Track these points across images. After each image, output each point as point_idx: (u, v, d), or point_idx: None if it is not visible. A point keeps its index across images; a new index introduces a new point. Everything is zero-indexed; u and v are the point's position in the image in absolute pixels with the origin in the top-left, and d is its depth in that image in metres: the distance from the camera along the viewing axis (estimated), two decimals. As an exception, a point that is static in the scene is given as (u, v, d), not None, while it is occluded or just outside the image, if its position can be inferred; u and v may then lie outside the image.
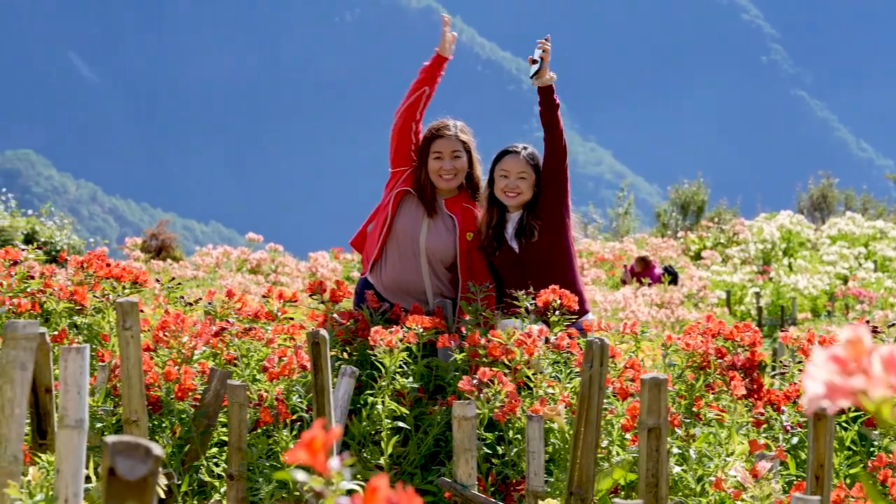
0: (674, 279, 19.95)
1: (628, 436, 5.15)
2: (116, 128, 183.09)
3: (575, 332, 5.71)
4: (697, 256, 25.96)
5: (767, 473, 4.39)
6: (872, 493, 1.97)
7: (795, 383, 5.67)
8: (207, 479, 5.37)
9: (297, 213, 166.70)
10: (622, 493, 5.05)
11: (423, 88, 6.31)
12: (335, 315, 6.05)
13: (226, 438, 5.32)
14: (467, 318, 5.97)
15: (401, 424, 5.44)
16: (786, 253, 25.21)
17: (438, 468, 5.43)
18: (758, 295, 20.13)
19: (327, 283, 6.35)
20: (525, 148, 6.32)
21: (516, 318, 5.80)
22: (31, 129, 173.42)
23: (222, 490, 5.33)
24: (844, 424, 5.51)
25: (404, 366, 5.59)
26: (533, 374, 5.40)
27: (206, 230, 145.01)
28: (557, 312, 5.76)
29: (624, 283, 20.38)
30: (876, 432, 5.47)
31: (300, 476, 1.81)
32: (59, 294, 6.16)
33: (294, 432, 5.33)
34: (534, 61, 6.17)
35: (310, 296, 6.29)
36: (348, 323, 5.99)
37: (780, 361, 6.24)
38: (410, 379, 5.55)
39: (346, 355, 5.96)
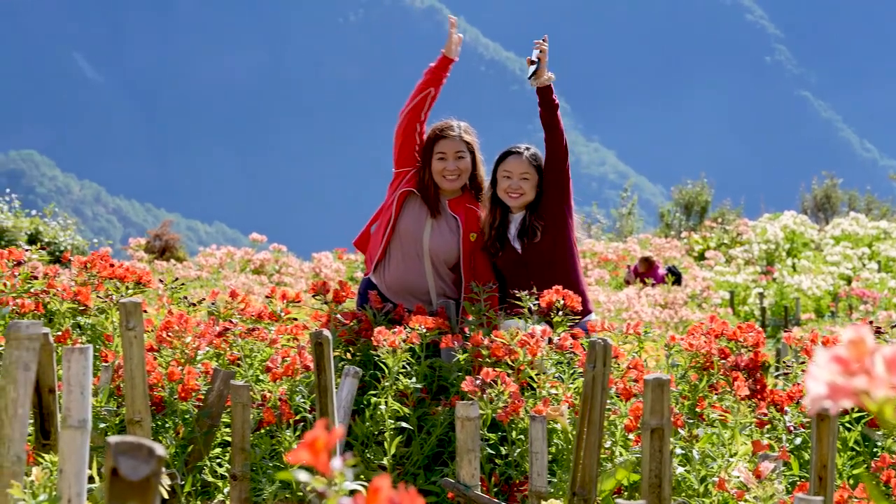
0: (677, 280, 19.94)
1: (631, 436, 5.15)
2: (121, 128, 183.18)
3: (580, 332, 5.71)
4: (701, 257, 25.95)
5: (771, 474, 4.39)
6: (875, 493, 1.97)
7: (799, 384, 5.66)
8: (211, 479, 5.37)
9: (301, 213, 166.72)
10: (625, 493, 5.05)
11: (428, 90, 6.31)
12: (338, 315, 6.05)
13: (229, 439, 5.32)
14: (470, 318, 5.97)
15: (404, 425, 5.44)
16: (789, 253, 25.20)
17: (441, 469, 5.43)
18: (761, 295, 20.12)
19: (331, 284, 6.35)
20: (528, 148, 6.32)
21: (519, 318, 5.80)
22: (35, 129, 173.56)
23: (226, 490, 5.33)
24: (848, 425, 5.50)
25: (407, 366, 5.59)
26: (536, 375, 5.40)
27: (210, 231, 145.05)
28: (560, 313, 5.76)
29: (627, 283, 20.38)
30: (879, 433, 5.46)
31: (303, 476, 1.81)
32: (63, 294, 6.16)
33: (297, 433, 5.33)
34: (532, 62, 6.18)
35: (313, 296, 6.29)
36: (351, 323, 5.99)
37: (784, 362, 6.24)
38: (414, 379, 5.55)
39: (349, 356, 5.96)
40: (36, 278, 6.31)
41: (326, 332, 4.71)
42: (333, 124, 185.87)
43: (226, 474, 5.35)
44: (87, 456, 3.50)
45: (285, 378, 5.48)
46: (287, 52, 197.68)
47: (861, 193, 35.86)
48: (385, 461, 5.37)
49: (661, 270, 20.32)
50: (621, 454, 5.13)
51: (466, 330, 5.85)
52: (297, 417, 5.41)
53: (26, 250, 6.78)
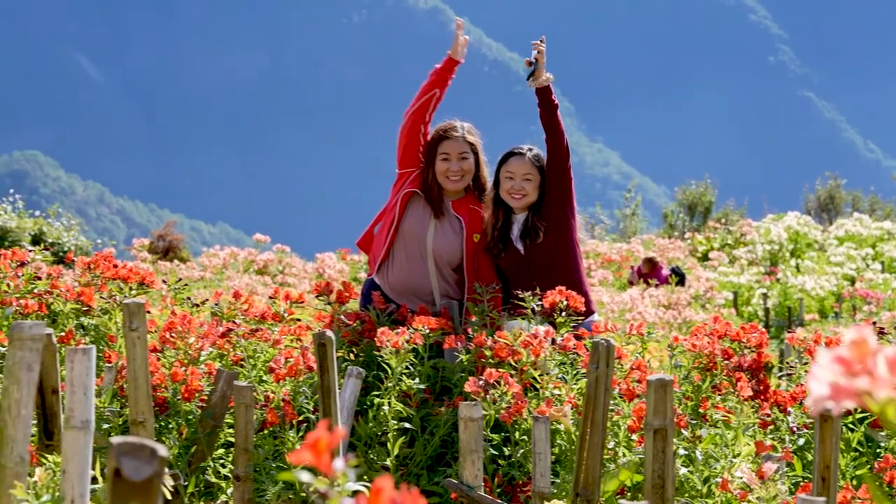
0: (681, 280, 19.93)
1: (634, 437, 5.15)
2: (124, 129, 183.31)
3: (586, 332, 5.72)
4: (705, 257, 25.95)
5: (774, 475, 4.39)
6: (878, 494, 1.97)
7: (802, 384, 5.66)
8: (214, 480, 5.37)
9: (305, 214, 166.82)
10: (628, 494, 5.05)
11: (433, 91, 6.31)
12: (342, 316, 6.05)
13: (232, 439, 5.32)
14: (474, 319, 5.97)
15: (407, 425, 5.45)
16: (793, 254, 25.19)
17: (445, 469, 5.43)
18: (765, 296, 20.11)
19: (334, 285, 6.36)
20: (530, 149, 6.32)
21: (523, 319, 5.80)
22: (38, 130, 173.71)
23: (229, 491, 5.34)
24: (851, 426, 5.50)
25: (411, 367, 5.60)
26: (539, 376, 5.40)
27: (214, 231, 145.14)
28: (563, 313, 5.76)
29: (631, 284, 20.38)
30: (882, 434, 5.46)
31: (305, 477, 1.81)
32: (66, 295, 6.16)
33: (300, 433, 5.34)
34: (530, 63, 6.19)
35: (316, 297, 6.29)
36: (355, 324, 5.99)
37: (787, 362, 6.24)
38: (417, 380, 5.55)
39: (352, 356, 5.96)
40: (39, 279, 6.31)
41: (330, 333, 4.71)
42: (334, 124, 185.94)
43: (229, 475, 5.35)
44: (90, 457, 3.51)
45: (289, 379, 5.48)
46: (290, 52, 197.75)
47: (865, 194, 35.85)
48: (388, 462, 5.37)
49: (665, 271, 20.32)
50: (624, 455, 5.13)
51: (470, 331, 5.85)
52: (301, 418, 5.41)
53: (30, 251, 6.78)
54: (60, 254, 17.44)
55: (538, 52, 6.18)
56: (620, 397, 5.26)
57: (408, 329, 5.57)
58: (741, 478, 4.60)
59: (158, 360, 5.64)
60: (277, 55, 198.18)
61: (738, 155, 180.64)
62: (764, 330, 5.75)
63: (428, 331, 5.62)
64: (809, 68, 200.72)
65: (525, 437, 5.24)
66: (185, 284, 7.13)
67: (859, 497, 4.37)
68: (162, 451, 1.85)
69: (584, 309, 5.83)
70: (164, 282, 7.14)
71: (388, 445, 5.36)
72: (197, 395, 5.42)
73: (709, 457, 5.05)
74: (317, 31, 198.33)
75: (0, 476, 3.68)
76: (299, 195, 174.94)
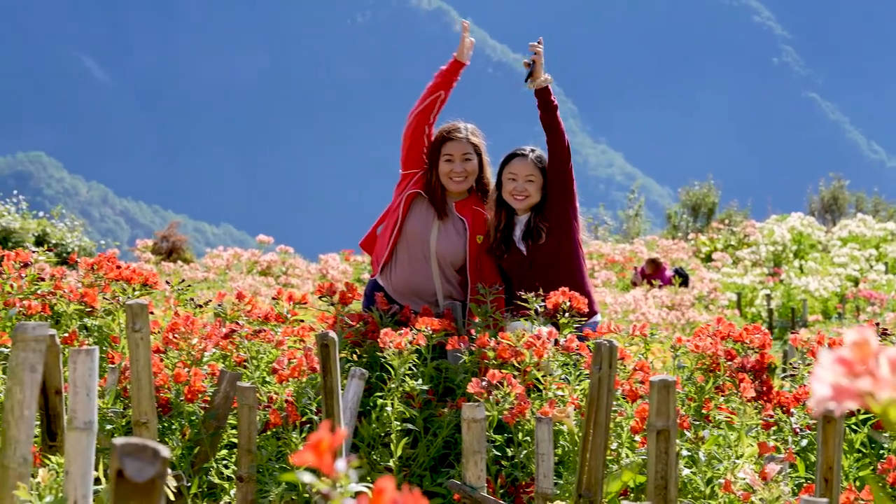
0: (684, 281, 19.93)
1: (637, 438, 5.15)
2: (128, 130, 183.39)
3: (591, 333, 5.71)
4: (708, 258, 25.93)
5: (777, 476, 4.39)
6: (881, 495, 1.97)
7: (805, 385, 5.66)
8: (217, 480, 5.37)
9: (308, 214, 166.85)
10: (631, 495, 5.05)
11: (438, 92, 6.31)
12: (345, 317, 6.06)
13: (235, 440, 5.33)
14: (477, 320, 5.97)
15: (410, 426, 5.45)
16: (796, 255, 25.18)
17: (448, 470, 5.43)
18: (768, 297, 20.10)
19: (337, 286, 6.36)
20: (533, 150, 6.32)
21: (525, 320, 5.80)
22: (42, 131, 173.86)
23: (232, 492, 5.34)
24: (854, 427, 5.50)
25: (414, 368, 5.59)
26: (542, 377, 5.40)
27: (218, 232, 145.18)
28: (566, 314, 5.76)
29: (634, 284, 20.38)
30: (886, 435, 5.46)
31: (308, 478, 1.81)
32: (70, 296, 6.17)
33: (303, 434, 5.34)
34: (527, 65, 6.20)
35: (320, 298, 6.30)
36: (358, 325, 5.99)
37: (791, 363, 6.23)
38: (420, 381, 5.55)
39: (355, 357, 5.96)
40: (43, 280, 6.32)
41: (333, 334, 4.71)
42: (341, 125, 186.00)
43: (232, 476, 5.35)
44: (92, 457, 3.51)
45: (292, 380, 5.48)
46: (293, 53, 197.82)
47: (868, 195, 35.82)
48: (391, 463, 5.37)
49: (668, 272, 20.32)
50: (627, 456, 5.13)
51: (473, 332, 5.86)
52: (304, 419, 5.41)
53: (33, 252, 6.79)
54: (64, 255, 17.45)
55: (535, 54, 6.20)
56: (623, 398, 5.25)
57: (411, 330, 5.57)
58: (744, 479, 4.60)
59: (162, 360, 5.64)
60: (280, 55, 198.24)
61: (742, 156, 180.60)
62: (767, 331, 5.75)
63: (431, 332, 5.62)
64: (813, 69, 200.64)
65: (528, 438, 5.24)
66: (189, 285, 7.13)
67: (862, 498, 4.36)
68: (165, 451, 1.85)
69: (586, 310, 5.83)
70: (168, 283, 7.15)
71: (391, 446, 5.36)
72: (200, 395, 5.42)
73: (712, 458, 5.04)
74: (320, 31, 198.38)
75: (3, 477, 3.68)
76: (303, 196, 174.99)
